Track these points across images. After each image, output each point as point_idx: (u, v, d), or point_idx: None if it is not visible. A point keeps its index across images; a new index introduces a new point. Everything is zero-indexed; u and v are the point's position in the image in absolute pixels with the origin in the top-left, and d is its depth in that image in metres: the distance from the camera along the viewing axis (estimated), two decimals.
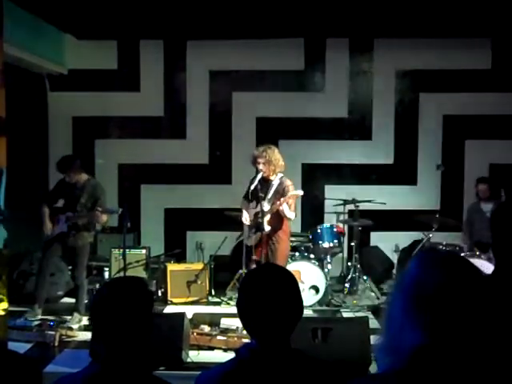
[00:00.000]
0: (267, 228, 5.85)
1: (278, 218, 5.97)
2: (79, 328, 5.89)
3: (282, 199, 5.76)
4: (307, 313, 6.37)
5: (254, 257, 5.93)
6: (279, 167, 5.92)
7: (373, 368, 4.62)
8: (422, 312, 1.25)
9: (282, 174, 6.01)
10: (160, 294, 7.22)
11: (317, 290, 6.80)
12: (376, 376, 1.35)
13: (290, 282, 1.92)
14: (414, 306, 1.27)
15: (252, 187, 5.85)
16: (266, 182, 5.91)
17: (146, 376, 1.94)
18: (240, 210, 6.25)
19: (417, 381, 1.25)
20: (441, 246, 7.13)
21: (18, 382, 1.60)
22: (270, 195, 5.91)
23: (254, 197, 5.92)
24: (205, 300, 7.16)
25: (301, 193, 5.90)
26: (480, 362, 1.24)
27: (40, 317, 6.13)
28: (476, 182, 7.38)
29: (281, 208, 5.76)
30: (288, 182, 5.97)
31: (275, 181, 5.95)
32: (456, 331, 1.24)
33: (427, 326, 1.24)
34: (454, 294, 1.26)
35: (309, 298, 6.68)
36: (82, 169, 6.29)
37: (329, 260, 7.24)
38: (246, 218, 6.02)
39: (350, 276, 7.30)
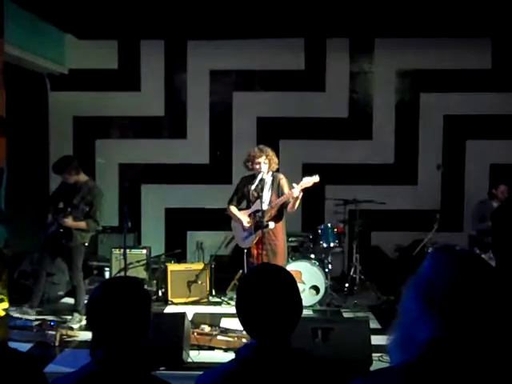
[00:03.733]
0: (271, 225, 5.83)
1: (279, 215, 5.96)
2: (80, 328, 5.89)
3: (297, 188, 5.61)
4: (307, 313, 6.38)
5: (253, 260, 5.90)
6: (276, 164, 5.92)
7: (373, 368, 4.62)
8: (434, 309, 1.27)
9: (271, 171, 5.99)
10: (160, 293, 7.23)
11: (317, 290, 6.80)
12: (386, 370, 1.35)
13: (288, 281, 1.92)
14: (428, 302, 1.28)
15: (253, 187, 5.83)
16: (259, 181, 5.88)
17: (144, 376, 1.94)
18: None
19: (425, 374, 1.26)
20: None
21: (20, 380, 1.60)
22: (265, 193, 5.89)
23: (253, 197, 5.91)
24: (205, 300, 7.16)
25: (317, 179, 5.79)
26: (490, 358, 1.25)
27: (35, 316, 6.13)
28: (497, 184, 7.40)
29: (296, 194, 5.63)
30: (281, 176, 5.96)
31: (267, 178, 5.92)
32: (469, 328, 1.25)
33: (440, 322, 1.26)
34: (468, 291, 1.27)
35: (309, 298, 6.68)
36: (80, 169, 6.25)
37: (329, 260, 7.24)
38: (249, 221, 5.97)
39: (350, 276, 7.30)
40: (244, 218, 5.96)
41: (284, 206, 5.89)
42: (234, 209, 6.07)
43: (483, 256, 6.42)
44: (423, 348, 1.26)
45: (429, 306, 1.28)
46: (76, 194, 6.08)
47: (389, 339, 1.36)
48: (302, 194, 5.64)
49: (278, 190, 5.88)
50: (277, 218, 5.94)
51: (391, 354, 1.35)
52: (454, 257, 1.35)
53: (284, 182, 5.90)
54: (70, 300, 6.76)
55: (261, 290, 1.86)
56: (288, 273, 1.97)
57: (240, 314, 1.89)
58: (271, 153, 5.87)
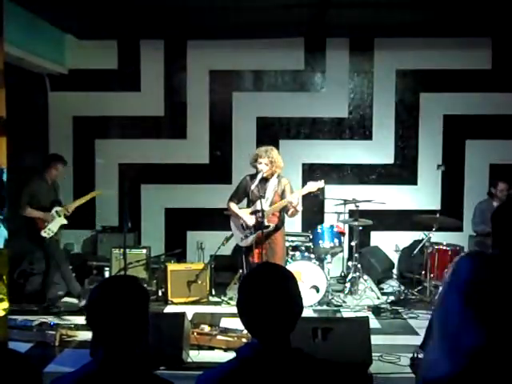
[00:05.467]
0: (271, 226, 5.85)
1: (279, 217, 5.97)
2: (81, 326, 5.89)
3: (295, 194, 5.76)
4: (307, 313, 6.37)
5: (253, 259, 5.90)
6: (279, 168, 5.93)
7: (373, 368, 4.62)
8: (481, 312, 1.23)
9: (277, 174, 6.00)
10: (160, 293, 7.23)
11: (317, 289, 6.80)
12: (437, 381, 1.32)
13: (289, 280, 1.92)
14: (473, 306, 1.25)
15: (252, 187, 5.84)
16: (262, 181, 5.89)
17: (145, 374, 1.94)
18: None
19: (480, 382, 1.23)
20: (441, 246, 7.14)
21: (18, 381, 1.60)
22: (268, 194, 5.90)
23: (253, 196, 5.91)
24: (205, 300, 7.16)
25: (321, 184, 5.86)
26: None
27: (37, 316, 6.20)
28: (495, 181, 7.40)
29: (295, 202, 5.73)
30: (286, 181, 5.98)
31: (272, 180, 5.95)
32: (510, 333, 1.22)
33: (487, 325, 1.22)
34: (507, 295, 1.24)
35: (309, 297, 6.68)
36: None
37: (329, 260, 7.24)
38: (251, 218, 5.96)
39: (350, 276, 7.30)
40: (246, 215, 5.96)
41: (285, 211, 5.92)
42: (233, 206, 6.09)
43: None
44: (471, 355, 1.23)
45: (474, 312, 1.24)
46: (57, 190, 6.78)
47: (429, 348, 1.31)
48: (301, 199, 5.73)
49: (281, 194, 5.92)
50: (277, 221, 5.96)
51: (438, 363, 1.30)
52: (490, 261, 1.30)
53: (288, 187, 5.93)
54: (70, 300, 6.78)
55: (262, 289, 1.86)
56: (289, 272, 1.97)
57: (241, 314, 1.89)
58: (275, 156, 5.87)
